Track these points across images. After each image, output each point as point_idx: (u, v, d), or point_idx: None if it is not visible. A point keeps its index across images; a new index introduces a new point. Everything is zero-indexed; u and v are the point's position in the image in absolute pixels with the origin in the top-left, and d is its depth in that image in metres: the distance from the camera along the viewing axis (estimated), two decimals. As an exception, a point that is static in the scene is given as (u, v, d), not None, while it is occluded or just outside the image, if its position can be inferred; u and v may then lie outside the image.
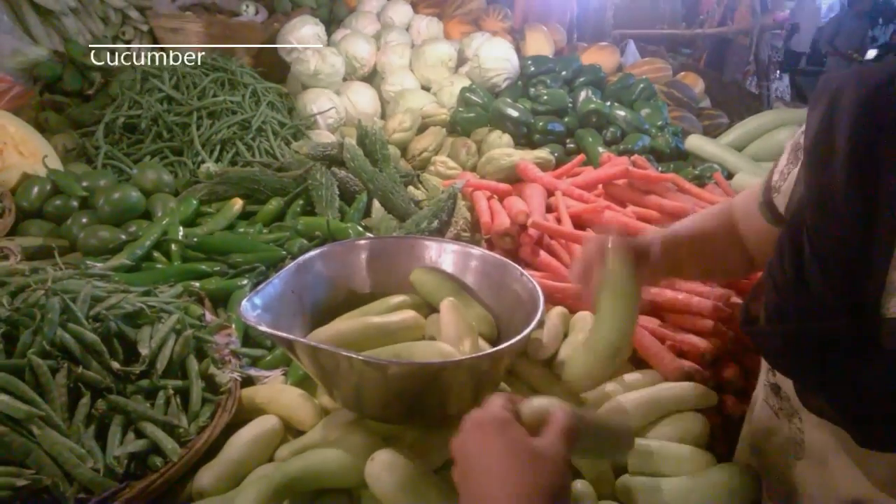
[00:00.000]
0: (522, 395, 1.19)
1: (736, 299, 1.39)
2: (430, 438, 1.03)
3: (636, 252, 1.01)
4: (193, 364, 1.15)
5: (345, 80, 2.78)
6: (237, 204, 1.79)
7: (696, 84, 3.06)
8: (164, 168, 1.99)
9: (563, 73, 2.73)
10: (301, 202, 1.83)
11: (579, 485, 1.01)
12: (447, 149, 2.35)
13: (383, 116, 2.69)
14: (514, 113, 2.39)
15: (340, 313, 1.22)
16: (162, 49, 2.73)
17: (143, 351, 1.09)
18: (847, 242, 0.71)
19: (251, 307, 1.04)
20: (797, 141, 0.88)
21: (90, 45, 2.65)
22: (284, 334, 0.98)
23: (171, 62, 2.40)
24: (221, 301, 1.44)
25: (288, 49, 2.79)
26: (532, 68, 2.74)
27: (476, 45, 2.85)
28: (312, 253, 1.25)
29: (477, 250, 1.31)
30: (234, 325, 1.31)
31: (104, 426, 1.01)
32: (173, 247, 1.55)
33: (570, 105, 2.54)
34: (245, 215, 1.81)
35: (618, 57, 3.18)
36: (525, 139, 2.41)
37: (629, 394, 1.16)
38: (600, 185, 1.93)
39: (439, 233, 1.73)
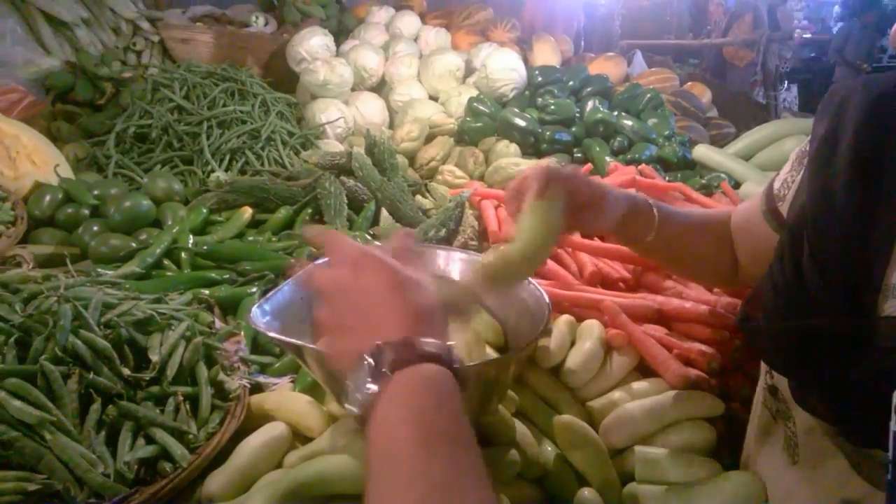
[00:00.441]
0: (530, 402, 1.20)
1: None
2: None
3: (580, 193, 0.99)
4: (203, 371, 1.16)
5: (353, 90, 2.80)
6: (246, 212, 1.80)
7: (704, 94, 3.06)
8: (175, 177, 2.00)
9: (571, 83, 2.74)
10: (310, 211, 1.85)
11: (586, 492, 1.02)
12: (455, 158, 2.36)
13: (391, 126, 2.71)
14: (521, 122, 2.40)
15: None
16: (172, 59, 2.76)
17: (154, 357, 1.10)
18: (846, 244, 0.72)
19: (261, 314, 1.05)
20: (802, 149, 0.89)
21: (102, 56, 2.68)
22: (293, 340, 0.99)
23: (182, 72, 2.43)
24: (231, 309, 1.45)
25: (297, 59, 2.82)
26: (539, 78, 2.75)
27: (484, 56, 2.87)
28: (323, 260, 1.25)
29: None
30: (243, 333, 1.32)
31: (115, 432, 1.02)
32: (183, 255, 1.57)
33: (577, 115, 2.55)
34: (254, 224, 1.83)
35: (625, 67, 3.19)
36: (532, 149, 2.42)
37: (636, 402, 1.16)
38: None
39: (447, 241, 1.74)
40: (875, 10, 7.48)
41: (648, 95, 2.68)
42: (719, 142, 2.69)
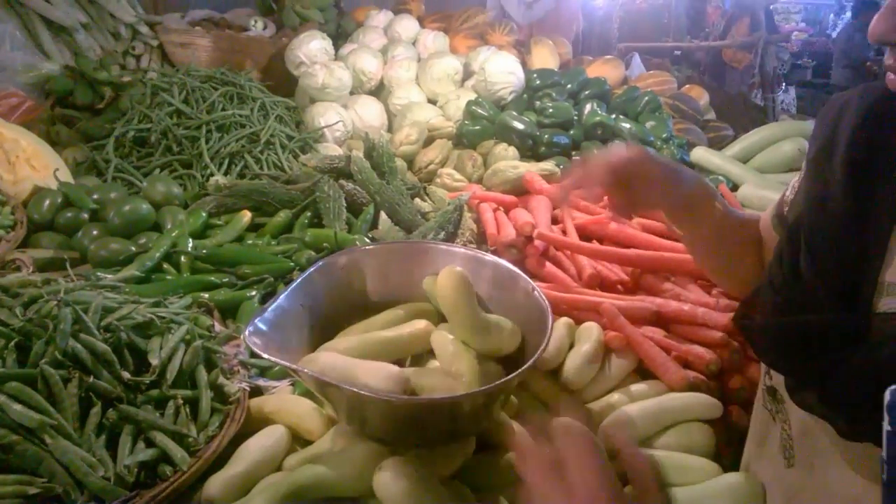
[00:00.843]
0: (527, 404, 1.20)
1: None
2: (439, 449, 1.04)
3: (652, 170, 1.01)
4: (203, 374, 1.16)
5: (352, 93, 2.81)
6: (246, 216, 1.80)
7: (701, 97, 3.07)
8: (174, 181, 2.01)
9: (569, 86, 2.74)
10: (309, 214, 1.85)
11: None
12: (453, 161, 2.37)
13: (390, 129, 2.71)
14: (519, 126, 2.41)
15: (352, 321, 1.22)
16: (171, 63, 2.77)
17: (154, 361, 1.11)
18: (842, 243, 0.74)
19: (258, 328, 1.04)
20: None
21: (101, 60, 2.69)
22: (289, 364, 0.98)
23: (181, 76, 2.43)
24: (230, 312, 1.45)
25: (296, 63, 2.82)
26: (538, 81, 2.75)
27: (482, 59, 2.87)
28: (319, 263, 1.24)
29: (489, 257, 1.28)
30: (242, 336, 1.32)
31: (115, 435, 1.02)
32: (183, 258, 1.57)
33: (575, 118, 2.56)
34: (253, 227, 1.83)
35: (623, 70, 3.20)
36: (531, 152, 2.42)
37: (635, 404, 1.17)
38: (606, 197, 1.93)
39: (446, 244, 1.74)
40: (874, 11, 7.50)
41: (646, 98, 2.68)
42: (717, 144, 2.69)
